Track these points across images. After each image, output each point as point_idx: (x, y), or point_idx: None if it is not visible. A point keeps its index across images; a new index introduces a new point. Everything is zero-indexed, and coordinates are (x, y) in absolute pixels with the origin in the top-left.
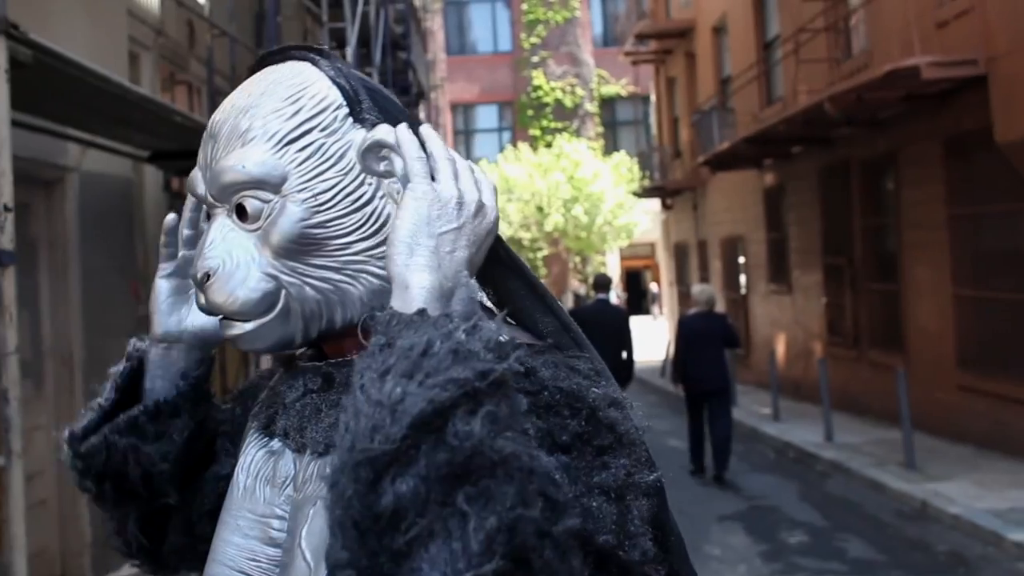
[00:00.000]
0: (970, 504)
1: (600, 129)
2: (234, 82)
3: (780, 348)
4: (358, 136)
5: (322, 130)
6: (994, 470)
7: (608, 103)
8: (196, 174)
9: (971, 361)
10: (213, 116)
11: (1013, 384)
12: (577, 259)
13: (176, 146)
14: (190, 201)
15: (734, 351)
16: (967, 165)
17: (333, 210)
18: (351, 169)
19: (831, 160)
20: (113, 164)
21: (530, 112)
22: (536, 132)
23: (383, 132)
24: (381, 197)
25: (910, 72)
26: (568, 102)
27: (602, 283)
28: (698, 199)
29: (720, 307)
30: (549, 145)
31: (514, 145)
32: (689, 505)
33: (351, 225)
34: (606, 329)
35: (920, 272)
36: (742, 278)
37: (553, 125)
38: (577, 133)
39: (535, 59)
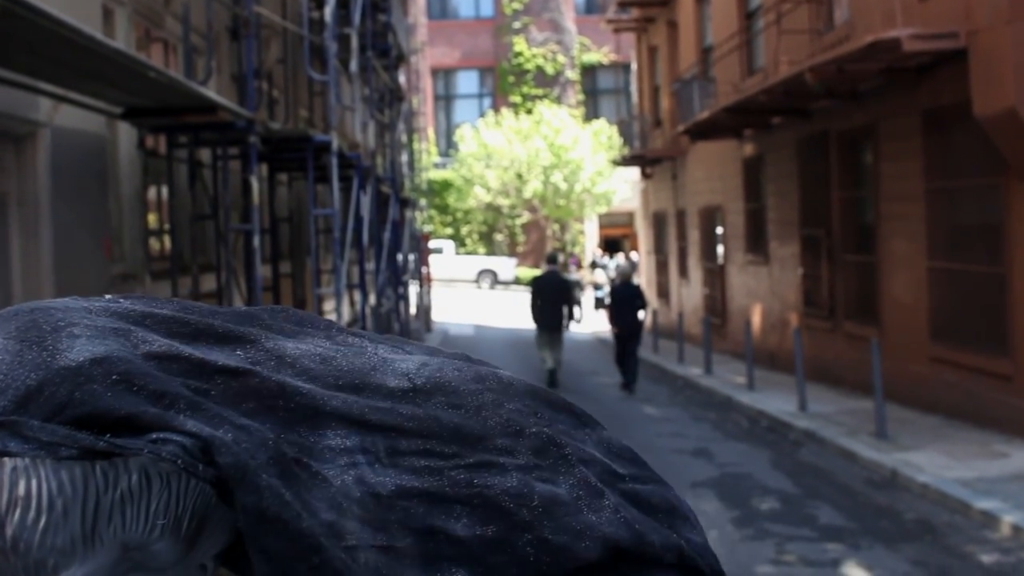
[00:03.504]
0: (939, 473)
1: (581, 97)
2: (210, 41)
3: (756, 318)
4: (130, 466)
5: (103, 495)
6: (963, 440)
7: (589, 71)
8: None
9: (944, 333)
10: None
11: (984, 356)
12: (556, 226)
13: (151, 103)
14: None
15: (644, 308)
16: (945, 139)
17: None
18: (164, 486)
19: (810, 132)
20: (86, 120)
21: (511, 79)
22: (517, 99)
23: None
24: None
25: (891, 44)
26: (549, 69)
27: (551, 258)
28: (677, 168)
29: (698, 276)
30: (530, 112)
31: (495, 111)
32: (662, 472)
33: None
34: (553, 291)
35: (896, 244)
36: (720, 248)
37: (534, 92)
38: (558, 100)
39: (517, 25)
